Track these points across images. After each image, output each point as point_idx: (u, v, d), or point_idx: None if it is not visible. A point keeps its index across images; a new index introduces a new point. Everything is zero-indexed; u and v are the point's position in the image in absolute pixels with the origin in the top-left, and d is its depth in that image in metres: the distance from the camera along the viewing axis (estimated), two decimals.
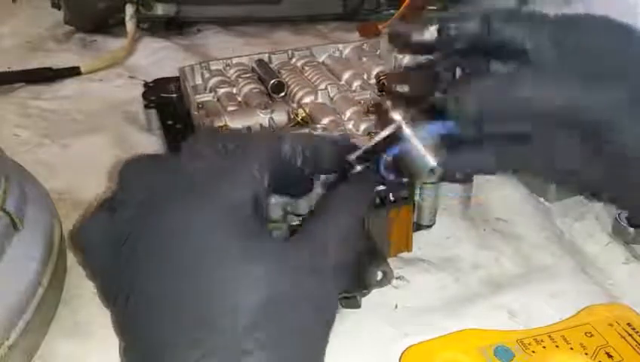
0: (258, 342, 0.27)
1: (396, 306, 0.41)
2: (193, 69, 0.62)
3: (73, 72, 0.80)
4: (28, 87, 0.77)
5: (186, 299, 0.28)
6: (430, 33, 0.35)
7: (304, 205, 0.39)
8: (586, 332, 0.38)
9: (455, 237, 0.48)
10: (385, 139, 0.35)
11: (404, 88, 0.37)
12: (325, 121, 0.52)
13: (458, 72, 0.36)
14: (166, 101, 0.64)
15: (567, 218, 0.50)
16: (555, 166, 0.35)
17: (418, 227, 0.48)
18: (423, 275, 0.44)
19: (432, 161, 0.35)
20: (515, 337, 0.38)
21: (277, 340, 0.27)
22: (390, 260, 0.43)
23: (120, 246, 0.30)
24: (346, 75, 0.60)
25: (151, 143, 0.63)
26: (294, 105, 0.55)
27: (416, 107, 0.35)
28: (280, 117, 0.53)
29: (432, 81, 0.36)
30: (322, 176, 0.38)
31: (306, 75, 0.61)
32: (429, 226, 0.49)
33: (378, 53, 0.66)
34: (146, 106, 0.64)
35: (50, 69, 0.80)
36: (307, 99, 0.55)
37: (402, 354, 0.37)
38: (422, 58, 0.39)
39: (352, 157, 0.35)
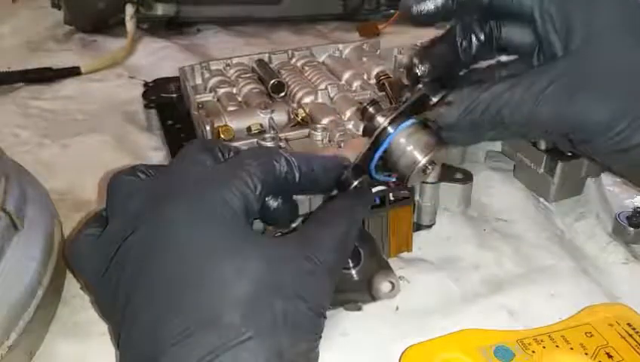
0: (251, 332, 0.27)
1: (397, 308, 0.41)
2: (193, 68, 0.62)
3: (73, 72, 0.80)
4: (28, 87, 0.78)
5: (181, 296, 0.28)
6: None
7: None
8: (586, 332, 0.38)
9: (455, 237, 0.48)
10: (372, 144, 0.35)
11: (425, 67, 0.37)
12: (325, 121, 0.52)
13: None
14: (166, 101, 0.64)
15: (567, 218, 0.50)
16: None
17: (418, 227, 0.49)
18: (423, 275, 0.44)
19: (420, 159, 0.35)
20: (515, 337, 0.38)
21: (269, 330, 0.28)
22: (390, 260, 0.43)
23: (111, 257, 0.31)
24: (346, 75, 0.60)
25: (151, 143, 0.63)
26: (294, 105, 0.55)
27: (441, 82, 0.36)
28: (280, 117, 0.53)
29: (453, 54, 0.37)
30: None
31: (306, 75, 0.61)
32: (429, 226, 0.49)
33: (378, 53, 0.67)
34: (146, 106, 0.64)
35: (50, 68, 0.80)
36: (307, 99, 0.55)
37: (402, 354, 0.37)
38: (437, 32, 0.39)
39: (346, 173, 0.36)
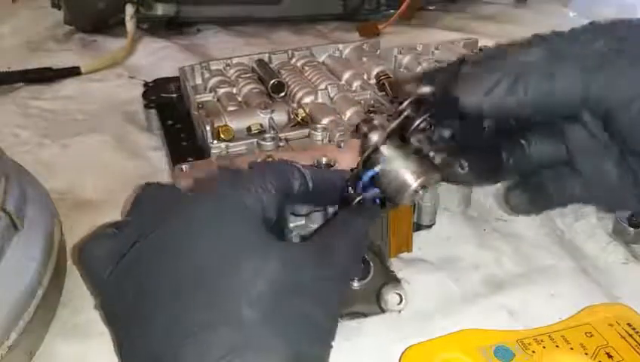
0: (271, 332, 0.27)
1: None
2: (193, 68, 0.62)
3: (73, 72, 0.81)
4: (28, 87, 0.78)
5: (200, 294, 0.28)
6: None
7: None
8: (586, 332, 0.38)
9: (455, 237, 0.48)
10: (365, 161, 0.35)
11: (426, 89, 0.34)
12: (325, 121, 0.52)
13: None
14: (166, 101, 0.64)
15: (567, 218, 0.50)
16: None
17: (418, 227, 0.48)
18: (423, 275, 0.44)
19: (412, 184, 0.34)
20: (515, 337, 0.38)
21: (288, 332, 0.28)
22: (390, 260, 0.43)
23: (124, 254, 0.31)
24: (346, 75, 0.60)
25: (151, 143, 0.63)
26: (294, 105, 0.55)
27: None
28: (280, 117, 0.53)
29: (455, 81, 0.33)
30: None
31: (306, 75, 0.61)
32: (429, 226, 0.49)
33: (378, 53, 0.67)
34: (146, 106, 0.64)
35: (50, 68, 0.80)
36: (307, 99, 0.55)
37: (402, 354, 0.37)
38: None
39: (349, 189, 0.36)
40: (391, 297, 0.38)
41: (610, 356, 0.36)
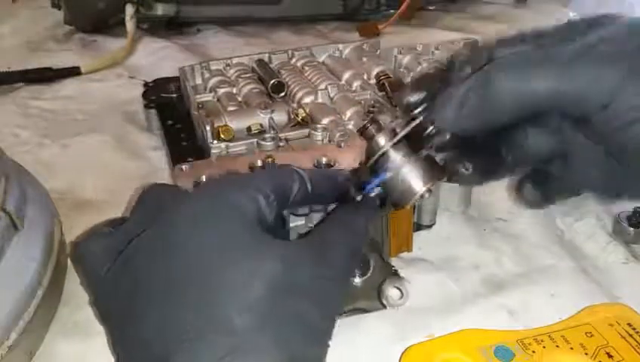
0: (265, 336, 0.27)
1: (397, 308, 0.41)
2: (193, 68, 0.62)
3: (73, 72, 0.81)
4: (28, 87, 0.78)
5: (192, 295, 0.28)
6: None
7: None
8: (586, 332, 0.38)
9: (455, 237, 0.48)
10: (371, 167, 0.35)
11: (419, 95, 0.34)
12: (325, 121, 0.52)
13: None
14: (166, 101, 0.64)
15: (567, 218, 0.50)
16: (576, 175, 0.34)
17: (418, 227, 0.48)
18: (423, 275, 0.44)
19: (419, 190, 0.34)
20: (515, 337, 0.38)
21: (282, 335, 0.27)
22: (390, 260, 0.43)
23: (120, 251, 0.31)
24: (346, 75, 0.60)
25: (151, 143, 0.63)
26: (294, 105, 0.55)
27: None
28: (280, 117, 0.53)
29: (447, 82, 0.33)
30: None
31: (306, 75, 0.61)
32: (429, 226, 0.49)
33: (378, 53, 0.66)
34: (146, 106, 0.64)
35: (50, 68, 0.80)
36: (307, 99, 0.55)
37: (402, 354, 0.37)
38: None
39: (352, 189, 0.35)
40: (392, 292, 0.37)
41: (610, 356, 0.36)
